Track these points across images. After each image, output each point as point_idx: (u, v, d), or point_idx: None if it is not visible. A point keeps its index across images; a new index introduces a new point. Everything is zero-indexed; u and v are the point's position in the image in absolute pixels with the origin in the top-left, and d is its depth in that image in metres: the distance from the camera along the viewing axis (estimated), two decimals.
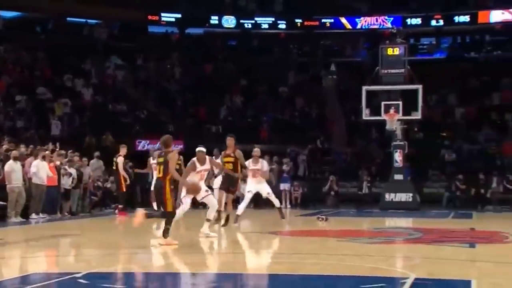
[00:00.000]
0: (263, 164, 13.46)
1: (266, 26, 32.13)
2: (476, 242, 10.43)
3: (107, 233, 12.91)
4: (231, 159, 12.58)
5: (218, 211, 12.16)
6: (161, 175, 9.48)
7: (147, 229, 11.45)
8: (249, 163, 13.07)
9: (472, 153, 23.87)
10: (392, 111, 18.79)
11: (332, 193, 20.85)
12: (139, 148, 22.80)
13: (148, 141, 23.41)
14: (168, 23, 31.67)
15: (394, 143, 19.33)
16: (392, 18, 30.49)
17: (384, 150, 23.19)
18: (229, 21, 31.77)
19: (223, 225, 12.56)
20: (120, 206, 16.41)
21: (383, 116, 18.98)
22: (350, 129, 26.61)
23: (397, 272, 7.82)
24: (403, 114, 19.07)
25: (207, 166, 10.69)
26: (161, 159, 9.57)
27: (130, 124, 25.29)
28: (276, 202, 13.67)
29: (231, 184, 12.64)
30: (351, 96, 26.77)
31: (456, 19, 30.31)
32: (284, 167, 20.64)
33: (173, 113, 27.20)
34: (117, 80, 27.98)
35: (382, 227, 13.56)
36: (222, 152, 12.97)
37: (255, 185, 13.17)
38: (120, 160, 16.23)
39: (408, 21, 30.51)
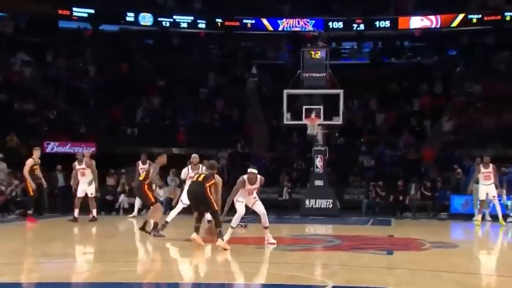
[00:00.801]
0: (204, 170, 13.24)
1: (185, 25, 31.98)
2: (394, 249, 10.79)
3: (11, 241, 12.40)
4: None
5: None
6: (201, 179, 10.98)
7: (57, 236, 11.10)
8: (187, 170, 12.97)
9: (393, 159, 24.70)
10: (313, 115, 19.11)
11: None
12: (48, 150, 22.07)
13: (57, 143, 22.73)
14: (80, 19, 30.89)
15: (315, 148, 19.68)
16: (314, 21, 31.11)
17: (305, 156, 23.60)
18: (146, 19, 31.40)
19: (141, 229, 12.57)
20: (29, 211, 15.86)
21: (304, 121, 19.27)
22: (271, 133, 26.91)
23: (315, 280, 7.96)
24: (324, 119, 19.40)
25: (256, 185, 11.78)
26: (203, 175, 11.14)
27: (37, 125, 24.46)
28: None
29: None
30: (273, 100, 27.07)
31: (377, 24, 31.32)
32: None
33: (86, 113, 26.56)
34: (24, 77, 26.98)
35: (301, 234, 13.78)
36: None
37: None
38: (28, 162, 15.69)
39: (330, 24, 31.21)
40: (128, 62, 29.94)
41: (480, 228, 15.67)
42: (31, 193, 15.78)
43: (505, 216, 16.63)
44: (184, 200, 12.66)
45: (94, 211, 16.11)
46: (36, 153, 15.89)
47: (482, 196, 16.08)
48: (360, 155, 24.60)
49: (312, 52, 19.91)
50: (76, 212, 15.75)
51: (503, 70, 28.47)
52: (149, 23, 31.56)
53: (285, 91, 19.80)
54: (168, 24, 31.78)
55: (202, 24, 32.11)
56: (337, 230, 14.80)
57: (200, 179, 11.01)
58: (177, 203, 13.73)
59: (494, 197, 16.06)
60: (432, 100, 27.65)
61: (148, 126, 26.71)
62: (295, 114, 20.11)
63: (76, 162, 15.90)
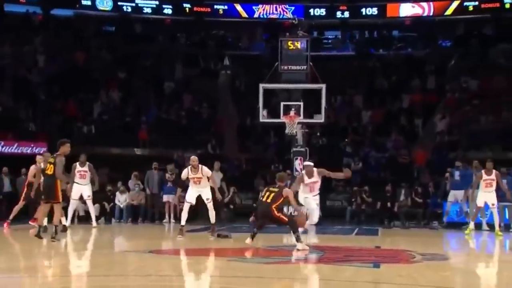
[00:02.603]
0: (205, 170, 14.42)
1: (148, 10, 31.93)
2: (380, 262, 10.88)
3: None
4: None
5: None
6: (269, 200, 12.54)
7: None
8: (187, 171, 14.33)
9: (380, 161, 24.90)
10: (292, 113, 19.19)
11: (231, 206, 21.06)
12: None
13: (2, 143, 22.49)
14: (29, 2, 30.64)
15: (294, 149, 19.77)
16: (293, 7, 31.29)
17: (283, 157, 23.67)
18: (104, 3, 31.27)
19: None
20: None
21: (282, 119, 19.34)
22: (246, 132, 26.96)
23: None
24: (305, 117, 19.51)
25: (315, 179, 13.47)
26: (274, 189, 12.64)
27: None
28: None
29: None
30: (247, 95, 27.13)
31: (364, 11, 31.58)
32: (168, 175, 20.51)
33: (35, 108, 26.31)
34: None
35: (279, 245, 13.82)
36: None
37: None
38: None
39: (312, 11, 31.41)
40: (84, 51, 29.75)
41: (474, 238, 15.87)
42: None
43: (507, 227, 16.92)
44: (189, 199, 14.30)
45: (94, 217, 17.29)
46: None
47: (480, 203, 16.29)
48: (344, 157, 24.77)
49: (291, 42, 20.00)
50: (69, 220, 16.42)
51: (502, 63, 28.86)
52: (108, 8, 31.45)
53: (261, 86, 19.86)
54: (129, 9, 31.71)
55: (168, 10, 32.09)
56: (318, 240, 14.86)
57: (268, 200, 12.50)
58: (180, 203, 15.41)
59: (493, 205, 16.28)
60: (423, 97, 27.96)
61: (107, 124, 26.58)
62: (272, 111, 20.19)
63: (77, 164, 16.56)
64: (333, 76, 27.72)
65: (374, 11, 31.61)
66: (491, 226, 17.21)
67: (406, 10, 31.55)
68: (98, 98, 27.66)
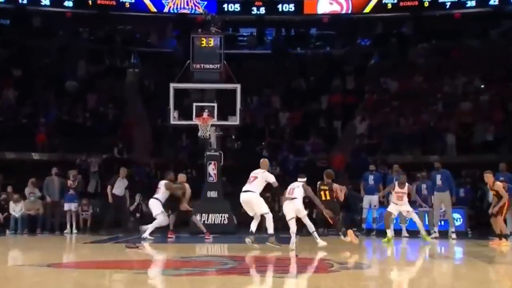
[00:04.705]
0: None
1: (47, 2, 31.24)
2: (297, 271, 11.02)
3: None
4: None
5: None
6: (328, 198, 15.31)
7: None
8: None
9: (298, 165, 25.23)
10: (205, 114, 19.20)
11: (138, 214, 20.87)
12: None
13: None
14: None
15: (208, 153, 19.78)
16: (205, 2, 31.33)
17: (196, 162, 23.64)
18: None
19: None
20: None
21: (195, 120, 19.32)
22: (155, 135, 26.78)
23: None
24: (219, 119, 19.56)
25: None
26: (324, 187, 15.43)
27: None
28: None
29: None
30: (157, 95, 26.98)
31: (280, 7, 31.96)
32: (70, 182, 20.13)
33: None
34: None
35: (190, 256, 13.79)
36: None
37: None
38: None
39: (225, 6, 31.55)
40: None
41: (393, 245, 16.30)
42: None
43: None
44: None
45: None
46: None
47: (392, 211, 16.73)
48: None
49: (204, 39, 20.00)
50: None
51: (422, 63, 29.82)
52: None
53: (172, 85, 19.79)
54: (26, 1, 30.92)
55: (68, 2, 31.49)
56: (233, 250, 14.91)
57: (328, 197, 15.22)
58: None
59: (408, 212, 16.78)
60: (343, 98, 28.54)
61: (0, 125, 25.85)
62: (184, 113, 20.12)
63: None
64: (248, 75, 27.94)
65: (291, 7, 32.05)
66: (412, 233, 17.74)
67: (324, 7, 32.14)
68: None
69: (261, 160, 15.05)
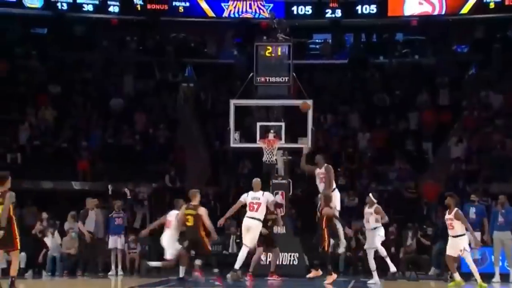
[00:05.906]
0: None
1: (90, 8, 31.89)
2: None
3: None
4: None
5: None
6: None
7: None
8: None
9: (382, 195, 25.04)
10: (271, 136, 19.26)
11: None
12: None
13: None
14: None
15: (274, 181, 19.80)
16: (272, 4, 31.46)
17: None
18: None
19: None
20: None
21: (259, 143, 19.41)
22: (213, 160, 27.00)
23: None
24: (287, 141, 19.58)
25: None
26: None
27: None
28: None
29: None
30: (215, 113, 27.21)
31: (359, 9, 31.82)
32: (114, 214, 20.47)
33: None
34: None
35: None
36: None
37: None
38: None
39: (295, 9, 31.62)
40: (6, 59, 29.66)
41: None
42: None
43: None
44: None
45: None
46: None
47: (450, 252, 16.12)
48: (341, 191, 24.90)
49: (270, 48, 20.09)
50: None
51: None
52: (38, 5, 31.35)
53: (232, 102, 19.93)
54: (65, 7, 31.61)
55: (114, 7, 32.10)
56: None
57: None
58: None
59: (461, 251, 15.79)
60: (435, 115, 28.24)
61: (37, 151, 26.47)
62: (246, 134, 20.26)
63: None
64: (322, 90, 27.98)
65: (372, 9, 31.72)
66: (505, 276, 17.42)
67: (412, 8, 31.77)
68: (25, 119, 27.53)
69: (254, 181, 16.79)
